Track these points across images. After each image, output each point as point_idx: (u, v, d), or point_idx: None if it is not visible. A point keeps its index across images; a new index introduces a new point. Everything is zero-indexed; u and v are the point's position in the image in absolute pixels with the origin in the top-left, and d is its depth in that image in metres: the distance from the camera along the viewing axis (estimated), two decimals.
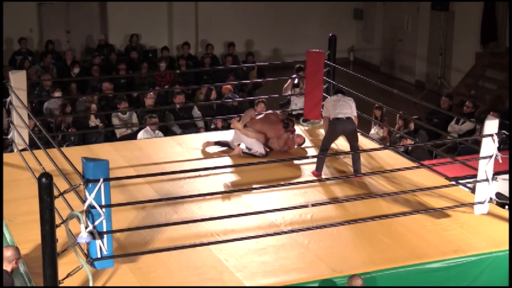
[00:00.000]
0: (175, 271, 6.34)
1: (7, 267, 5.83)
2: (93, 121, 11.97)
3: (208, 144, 9.38)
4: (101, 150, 9.40)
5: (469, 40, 17.09)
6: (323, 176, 8.52)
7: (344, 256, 6.66)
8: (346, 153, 9.04)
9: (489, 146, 7.38)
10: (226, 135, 9.71)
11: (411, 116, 11.33)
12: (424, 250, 6.82)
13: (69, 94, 13.79)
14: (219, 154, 9.29)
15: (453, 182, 8.31)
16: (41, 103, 13.04)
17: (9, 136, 9.21)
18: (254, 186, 7.94)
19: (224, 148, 9.38)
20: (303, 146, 9.65)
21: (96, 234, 5.90)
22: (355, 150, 8.65)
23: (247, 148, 9.17)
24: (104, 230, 5.94)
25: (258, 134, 9.17)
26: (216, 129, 11.80)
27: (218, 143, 9.40)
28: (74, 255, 5.96)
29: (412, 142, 10.46)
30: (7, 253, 5.86)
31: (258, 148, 9.13)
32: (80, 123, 11.89)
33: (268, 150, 9.18)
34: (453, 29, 17.62)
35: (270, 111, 9.91)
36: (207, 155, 9.23)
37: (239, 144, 9.23)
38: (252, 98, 13.51)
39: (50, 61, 15.64)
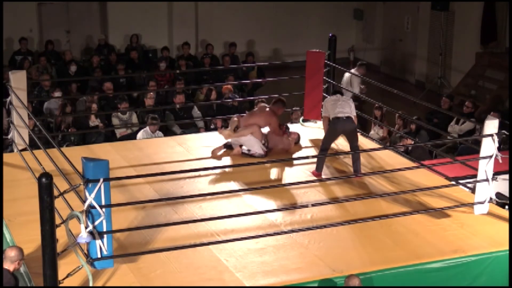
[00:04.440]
0: (175, 271, 6.34)
1: (9, 267, 5.83)
2: (93, 121, 11.97)
3: (219, 149, 9.31)
4: (101, 150, 9.41)
5: (469, 40, 17.09)
6: (323, 176, 8.52)
7: (344, 256, 6.66)
8: (346, 153, 9.04)
9: (489, 146, 7.38)
10: None
11: (411, 117, 11.33)
12: (424, 250, 6.82)
13: (69, 94, 13.79)
14: (219, 155, 9.28)
15: (453, 182, 8.31)
16: (41, 103, 13.04)
17: (9, 136, 9.21)
18: (254, 186, 7.94)
19: (224, 149, 9.37)
20: (302, 146, 9.66)
21: (96, 234, 5.90)
22: (355, 150, 8.65)
23: (247, 150, 9.17)
24: (104, 230, 5.94)
25: (252, 128, 9.09)
26: (216, 129, 11.80)
27: (225, 146, 9.38)
28: (74, 255, 5.96)
29: (412, 142, 10.46)
30: (11, 253, 5.87)
31: (257, 149, 9.12)
32: (80, 123, 11.89)
33: (266, 150, 9.17)
34: (453, 29, 17.62)
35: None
36: (207, 155, 9.22)
37: (241, 146, 9.22)
38: (252, 98, 13.52)
39: (45, 63, 15.60)
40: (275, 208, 7.44)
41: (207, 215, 7.25)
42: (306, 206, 7.30)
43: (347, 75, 13.66)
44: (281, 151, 9.35)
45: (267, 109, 9.47)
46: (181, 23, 19.08)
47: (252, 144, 9.13)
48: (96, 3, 18.76)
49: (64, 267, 5.92)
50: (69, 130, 11.49)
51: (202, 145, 9.60)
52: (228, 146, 9.34)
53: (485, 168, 7.44)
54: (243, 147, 9.18)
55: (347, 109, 8.65)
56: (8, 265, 5.84)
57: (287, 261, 6.56)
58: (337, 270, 6.39)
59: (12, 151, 9.39)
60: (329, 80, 10.41)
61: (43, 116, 12.36)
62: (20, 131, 8.85)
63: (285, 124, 9.76)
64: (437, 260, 6.67)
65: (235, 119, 9.40)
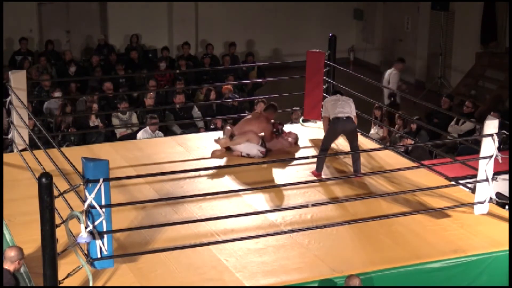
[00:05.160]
0: (175, 271, 6.34)
1: (9, 267, 5.83)
2: (94, 121, 11.96)
3: (219, 150, 9.30)
4: (101, 150, 9.41)
5: (469, 40, 17.09)
6: (323, 176, 8.52)
7: (344, 256, 6.66)
8: (346, 153, 9.04)
9: (489, 146, 7.38)
10: None
11: (411, 117, 11.33)
12: (424, 250, 6.82)
13: (69, 94, 13.79)
14: (219, 155, 9.28)
15: (453, 182, 8.31)
16: (41, 103, 13.04)
17: (9, 136, 9.21)
18: (254, 186, 7.94)
19: (224, 150, 9.37)
20: (302, 146, 9.66)
21: (96, 234, 5.90)
22: (355, 150, 8.65)
23: (246, 154, 9.16)
24: (104, 230, 5.94)
25: (247, 135, 9.12)
26: (216, 129, 11.80)
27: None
28: (74, 255, 5.96)
29: (412, 142, 10.46)
30: (11, 253, 5.87)
31: (256, 153, 9.11)
32: (80, 123, 11.89)
33: (265, 151, 9.16)
34: (453, 29, 17.62)
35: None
36: (207, 155, 9.22)
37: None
38: (252, 98, 13.52)
39: (45, 63, 15.60)
40: (275, 208, 7.43)
41: (207, 215, 7.25)
42: (306, 206, 7.29)
43: (387, 72, 14.35)
44: (280, 151, 9.34)
45: (261, 116, 9.48)
46: (181, 23, 19.07)
47: (250, 148, 9.13)
48: (96, 3, 18.76)
49: (64, 267, 5.92)
50: (69, 130, 11.49)
51: (202, 145, 9.61)
52: (228, 147, 9.34)
53: (485, 168, 7.44)
54: (242, 152, 9.17)
55: (347, 109, 8.65)
56: (8, 265, 5.83)
57: (287, 261, 6.56)
58: (337, 270, 6.39)
59: (12, 151, 9.39)
60: (329, 80, 10.41)
61: (43, 116, 12.36)
62: (20, 131, 8.85)
63: (280, 123, 9.75)
64: (437, 260, 6.67)
65: (228, 128, 9.42)
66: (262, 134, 9.27)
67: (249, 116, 9.63)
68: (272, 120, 9.58)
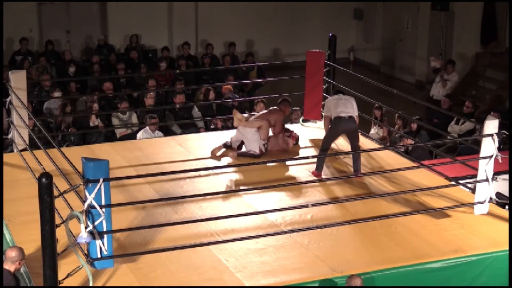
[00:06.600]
0: (175, 271, 6.34)
1: (10, 267, 5.83)
2: (94, 121, 11.96)
3: (218, 149, 9.32)
4: (101, 150, 9.41)
5: (469, 40, 17.08)
6: (323, 176, 8.52)
7: (344, 256, 6.66)
8: (346, 153, 9.04)
9: (489, 146, 7.38)
10: (226, 135, 9.71)
11: (411, 117, 11.32)
12: (424, 250, 6.82)
13: (68, 94, 13.79)
14: (219, 155, 9.28)
15: (453, 182, 8.31)
16: (41, 103, 13.04)
17: (9, 136, 9.21)
18: (254, 186, 7.93)
19: (224, 149, 9.37)
20: (302, 145, 9.66)
21: (96, 234, 5.90)
22: (356, 149, 8.65)
23: (244, 146, 9.17)
24: (104, 230, 5.94)
25: (261, 121, 9.16)
26: (216, 129, 11.80)
27: (224, 146, 9.40)
28: (74, 255, 5.96)
29: (412, 142, 10.46)
30: (12, 253, 5.87)
31: (255, 148, 9.11)
32: (80, 123, 11.89)
33: (263, 151, 9.17)
34: (453, 29, 17.62)
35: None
36: (207, 155, 9.22)
37: (240, 145, 9.23)
38: (252, 98, 13.52)
39: (45, 63, 15.60)
40: (275, 208, 7.43)
41: (207, 215, 7.25)
42: (306, 206, 7.29)
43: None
44: (280, 152, 9.34)
45: (275, 108, 9.57)
46: (181, 23, 19.07)
47: (253, 140, 9.11)
48: (96, 3, 18.76)
49: (64, 267, 5.93)
50: (69, 130, 11.49)
51: (202, 145, 9.61)
52: (227, 146, 9.35)
53: (485, 168, 7.44)
54: (242, 146, 9.17)
55: (349, 108, 8.64)
56: (9, 266, 5.84)
57: (287, 261, 6.56)
58: (337, 270, 6.39)
59: (12, 151, 9.39)
60: (329, 80, 10.41)
61: (43, 116, 12.36)
62: (20, 131, 8.85)
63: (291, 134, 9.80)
64: (437, 260, 6.67)
65: (246, 114, 9.53)
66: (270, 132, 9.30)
67: (265, 111, 9.70)
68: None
